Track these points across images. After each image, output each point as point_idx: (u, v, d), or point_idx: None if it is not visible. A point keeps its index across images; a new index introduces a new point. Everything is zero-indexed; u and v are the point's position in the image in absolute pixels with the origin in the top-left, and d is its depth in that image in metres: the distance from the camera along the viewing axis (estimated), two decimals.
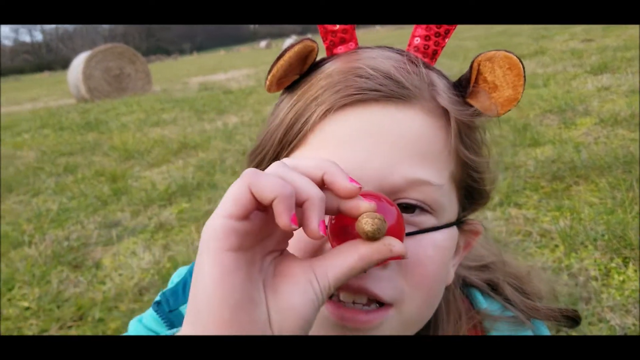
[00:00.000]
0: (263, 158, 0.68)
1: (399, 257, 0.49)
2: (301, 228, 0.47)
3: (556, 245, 2.57)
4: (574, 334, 1.91)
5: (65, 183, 5.15)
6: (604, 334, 1.91)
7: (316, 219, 0.46)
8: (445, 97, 0.63)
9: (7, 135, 8.85)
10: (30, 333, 2.47)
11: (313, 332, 0.61)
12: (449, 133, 0.63)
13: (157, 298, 0.79)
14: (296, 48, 0.64)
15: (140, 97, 12.92)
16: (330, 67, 0.65)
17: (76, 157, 6.35)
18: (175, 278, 0.84)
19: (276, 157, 0.66)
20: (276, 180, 0.45)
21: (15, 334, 2.47)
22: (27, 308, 2.72)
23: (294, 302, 0.48)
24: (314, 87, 0.64)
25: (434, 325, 0.71)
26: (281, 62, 0.64)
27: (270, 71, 0.64)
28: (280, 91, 0.70)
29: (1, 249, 3.52)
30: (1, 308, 2.73)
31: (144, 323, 0.78)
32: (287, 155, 0.64)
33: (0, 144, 7.89)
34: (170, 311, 0.76)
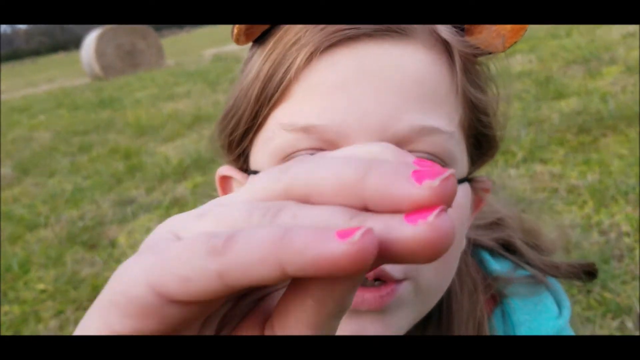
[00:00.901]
0: (238, 122, 0.57)
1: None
2: None
3: (585, 201, 2.44)
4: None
5: (80, 162, 5.12)
6: (638, 292, 1.81)
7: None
8: (444, 29, 0.53)
9: (24, 117, 8.87)
10: (47, 315, 2.45)
11: None
12: (454, 71, 0.52)
13: None
14: None
15: (154, 72, 12.85)
16: None
17: (91, 136, 6.32)
18: None
19: (254, 118, 0.55)
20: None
21: (32, 317, 2.44)
22: (44, 290, 2.69)
23: None
24: (292, 31, 0.52)
25: (447, 299, 0.62)
26: None
27: None
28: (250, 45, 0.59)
29: (17, 233, 3.51)
30: (18, 292, 2.71)
31: None
32: (268, 114, 0.53)
33: (16, 127, 7.92)
34: None
